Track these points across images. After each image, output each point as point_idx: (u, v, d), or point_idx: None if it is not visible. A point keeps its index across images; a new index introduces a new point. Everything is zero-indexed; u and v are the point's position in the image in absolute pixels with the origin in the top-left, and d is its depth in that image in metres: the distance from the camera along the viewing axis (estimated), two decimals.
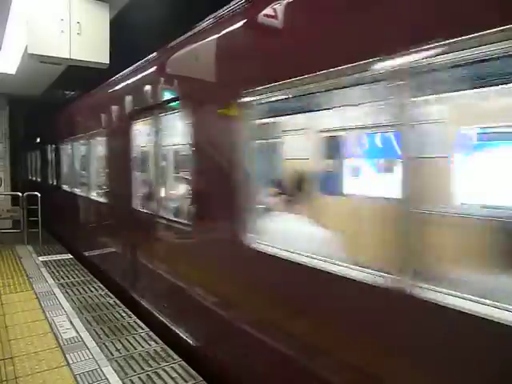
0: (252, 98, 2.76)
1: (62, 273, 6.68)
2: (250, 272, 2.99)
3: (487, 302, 1.59)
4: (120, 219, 5.72)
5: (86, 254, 7.46)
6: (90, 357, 3.72)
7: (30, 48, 5.03)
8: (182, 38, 3.96)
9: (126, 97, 5.35)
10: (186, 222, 3.91)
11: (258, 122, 2.88)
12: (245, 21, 3.01)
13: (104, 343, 4.03)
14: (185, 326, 3.96)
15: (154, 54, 4.63)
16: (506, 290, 1.79)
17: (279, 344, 2.66)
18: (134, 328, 4.44)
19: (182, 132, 3.97)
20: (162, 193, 4.76)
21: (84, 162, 7.98)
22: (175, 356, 3.79)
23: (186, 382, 3.34)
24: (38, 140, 13.10)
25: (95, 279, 6.33)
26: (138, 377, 3.41)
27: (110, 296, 5.53)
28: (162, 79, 4.36)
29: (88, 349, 3.88)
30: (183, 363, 3.65)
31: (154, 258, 4.62)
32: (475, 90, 2.02)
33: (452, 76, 1.78)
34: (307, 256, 2.43)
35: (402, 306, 1.88)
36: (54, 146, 10.83)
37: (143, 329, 4.42)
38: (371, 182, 4.26)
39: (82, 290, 5.75)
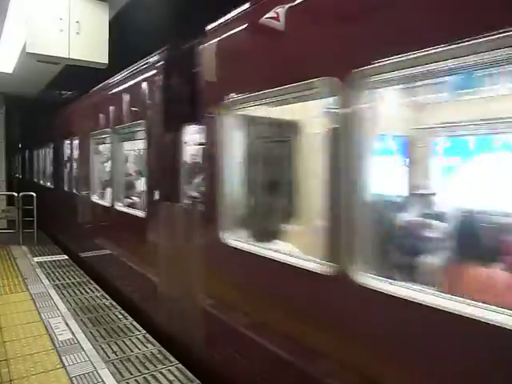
0: None
1: (57, 274, 6.62)
2: None
3: None
4: None
5: None
6: (86, 359, 3.68)
7: (28, 47, 4.99)
8: None
9: None
10: None
11: None
12: None
13: (100, 345, 3.99)
14: None
15: None
16: None
17: None
18: (131, 330, 4.40)
19: None
20: None
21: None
22: (172, 358, 3.76)
23: None
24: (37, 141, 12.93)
25: (91, 280, 6.28)
26: (135, 379, 3.37)
27: (106, 297, 5.48)
28: None
29: (84, 351, 3.84)
30: (180, 366, 3.62)
31: None
32: None
33: None
34: None
35: None
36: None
37: (140, 331, 4.38)
38: None
39: (77, 292, 5.70)
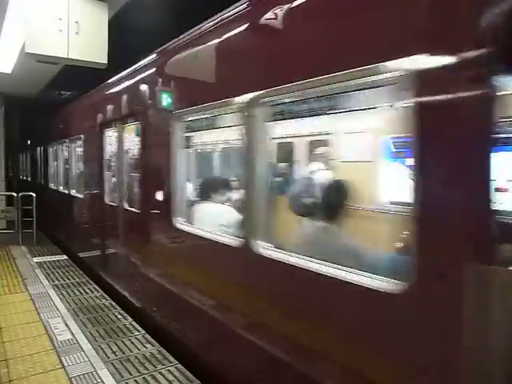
0: None
1: (56, 274, 6.61)
2: None
3: None
4: None
5: None
6: (86, 359, 3.68)
7: (27, 47, 4.99)
8: None
9: None
10: None
11: None
12: None
13: (100, 345, 3.98)
14: None
15: None
16: None
17: None
18: (130, 330, 4.40)
19: None
20: None
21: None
22: (172, 359, 3.75)
23: None
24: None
25: (90, 281, 6.27)
26: (135, 380, 3.37)
27: (105, 298, 5.47)
28: None
29: (83, 351, 3.84)
30: (180, 366, 3.61)
31: None
32: None
33: None
34: None
35: None
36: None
37: (139, 331, 4.38)
38: None
39: (77, 292, 5.69)
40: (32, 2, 4.95)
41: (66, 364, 3.57)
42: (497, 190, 3.36)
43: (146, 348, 3.96)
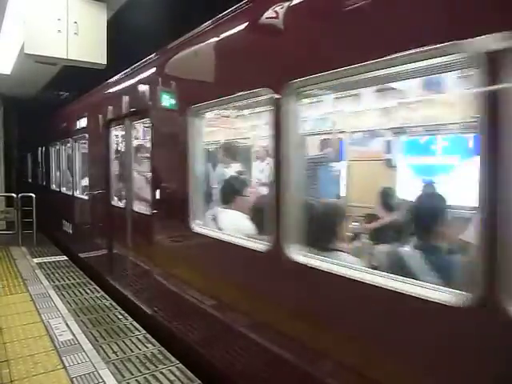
0: None
1: (57, 275, 6.62)
2: None
3: None
4: None
5: None
6: (87, 359, 3.68)
7: (26, 48, 4.99)
8: None
9: None
10: None
11: None
12: None
13: (101, 345, 3.99)
14: None
15: None
16: None
17: None
18: (131, 330, 4.41)
19: None
20: None
21: None
22: (172, 358, 3.76)
23: None
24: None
25: (91, 281, 6.27)
26: (136, 379, 3.37)
27: (106, 298, 5.48)
28: None
29: (84, 351, 3.84)
30: (181, 366, 3.62)
31: None
32: None
33: None
34: None
35: None
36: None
37: (140, 331, 4.38)
38: None
39: (77, 292, 5.69)
40: (31, 2, 4.95)
41: (67, 364, 3.57)
42: None
43: (147, 348, 3.97)
